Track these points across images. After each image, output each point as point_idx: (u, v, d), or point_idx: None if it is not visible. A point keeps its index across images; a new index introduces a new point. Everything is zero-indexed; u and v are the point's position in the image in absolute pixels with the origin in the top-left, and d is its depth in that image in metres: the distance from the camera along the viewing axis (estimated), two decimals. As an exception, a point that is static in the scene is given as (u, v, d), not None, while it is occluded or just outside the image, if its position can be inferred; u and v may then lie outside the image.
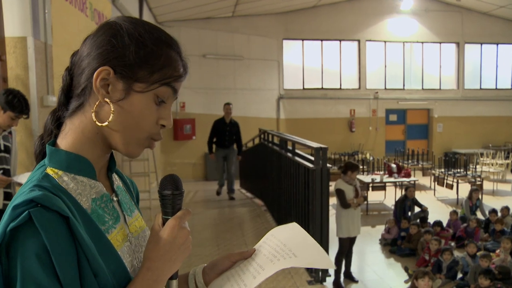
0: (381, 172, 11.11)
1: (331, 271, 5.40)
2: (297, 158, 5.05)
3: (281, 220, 5.91)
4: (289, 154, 5.45)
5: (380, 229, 8.15)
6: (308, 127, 14.53)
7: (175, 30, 12.95)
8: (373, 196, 10.37)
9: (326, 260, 0.94)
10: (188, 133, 13.21)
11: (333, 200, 5.65)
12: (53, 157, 0.88)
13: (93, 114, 0.87)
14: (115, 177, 1.02)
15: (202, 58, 13.52)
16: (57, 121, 0.93)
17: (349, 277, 6.05)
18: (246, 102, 14.10)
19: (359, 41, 15.25)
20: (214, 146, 9.25)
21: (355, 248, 6.23)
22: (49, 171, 0.86)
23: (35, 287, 0.72)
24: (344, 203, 5.55)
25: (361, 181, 10.15)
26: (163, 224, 0.88)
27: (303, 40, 14.95)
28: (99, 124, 0.87)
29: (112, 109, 0.86)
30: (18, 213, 0.74)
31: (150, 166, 7.77)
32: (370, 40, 15.30)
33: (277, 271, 0.93)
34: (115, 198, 0.95)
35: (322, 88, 15.18)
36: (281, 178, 5.81)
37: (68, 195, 0.82)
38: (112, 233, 0.89)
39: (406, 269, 6.45)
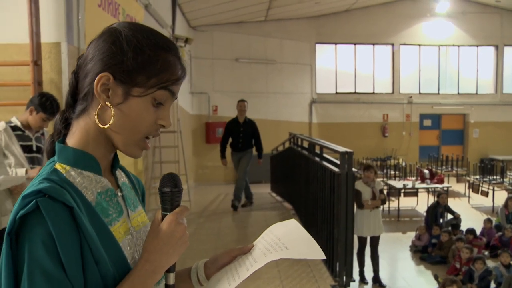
0: (413, 178, 10.93)
1: (356, 276, 5.36)
2: (323, 162, 5.05)
3: (308, 223, 5.90)
4: (317, 158, 5.45)
5: (411, 235, 8.02)
6: (341, 131, 14.43)
7: (208, 35, 13.11)
8: (405, 202, 10.21)
9: (317, 252, 0.99)
10: (220, 136, 13.24)
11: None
12: (61, 153, 0.95)
13: (96, 117, 0.93)
14: (121, 174, 1.08)
15: (234, 62, 13.63)
16: (65, 122, 1.00)
17: (378, 282, 5.97)
18: (278, 106, 14.12)
19: (393, 44, 15.06)
20: (229, 150, 8.43)
21: (384, 254, 6.32)
22: (58, 166, 0.93)
23: (40, 271, 0.78)
24: (358, 203, 5.69)
25: (392, 187, 10.03)
26: (162, 219, 0.93)
27: (335, 44, 14.88)
28: (102, 126, 0.93)
29: (113, 112, 0.92)
30: (26, 202, 0.81)
31: (180, 168, 7.88)
32: (404, 44, 15.10)
33: (267, 263, 0.97)
34: (119, 193, 1.02)
35: (355, 93, 15.06)
36: (309, 182, 5.81)
37: (74, 188, 0.89)
38: (115, 225, 0.95)
39: (436, 277, 6.33)
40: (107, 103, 0.92)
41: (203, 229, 6.65)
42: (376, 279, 5.98)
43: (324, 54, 14.92)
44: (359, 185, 5.72)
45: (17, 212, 0.81)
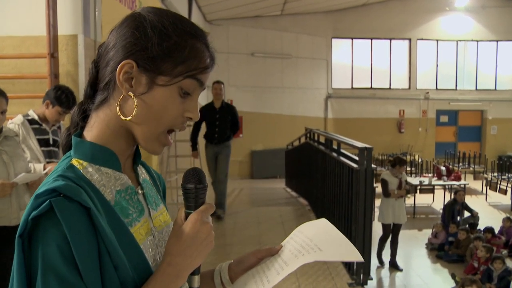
0: (430, 175, 10.80)
1: (373, 274, 5.31)
2: (341, 158, 4.98)
3: (324, 220, 5.85)
4: (334, 154, 5.38)
5: (427, 233, 7.92)
6: (356, 127, 14.33)
7: (224, 29, 13.06)
8: (421, 199, 10.09)
9: (354, 253, 0.92)
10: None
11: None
12: (78, 148, 0.88)
13: (117, 108, 0.87)
14: (141, 170, 1.02)
15: (250, 56, 13.58)
16: (83, 114, 0.93)
17: (394, 266, 6.35)
18: (293, 101, 14.06)
19: (410, 39, 14.89)
20: (202, 142, 7.07)
21: (400, 251, 6.51)
22: (74, 162, 0.86)
23: (55, 277, 0.72)
24: (385, 192, 6.18)
25: (408, 183, 9.92)
26: (186, 218, 0.87)
27: (352, 38, 14.76)
28: (123, 118, 0.86)
29: (136, 103, 0.86)
30: (39, 202, 0.75)
31: (195, 162, 7.86)
32: (421, 39, 14.91)
33: (300, 266, 0.90)
34: (140, 191, 0.95)
35: (371, 88, 14.95)
36: (326, 178, 5.75)
37: (91, 186, 0.83)
38: (135, 226, 0.88)
39: (453, 276, 6.23)
40: (130, 93, 0.85)
41: (218, 225, 6.62)
42: (393, 263, 6.35)
43: (340, 49, 14.82)
44: (386, 175, 6.27)
45: (29, 213, 0.75)
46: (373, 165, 4.35)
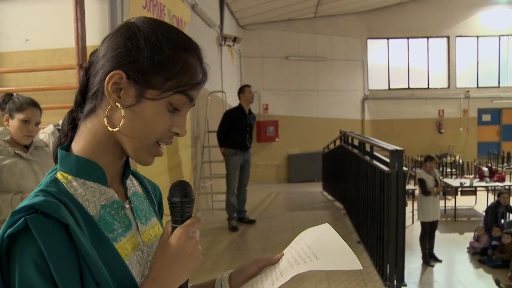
0: (471, 176, 10.45)
1: (408, 280, 5.17)
2: (373, 161, 4.88)
3: (358, 224, 5.74)
4: (366, 157, 5.29)
5: (469, 236, 7.65)
6: (394, 128, 14.06)
7: (257, 33, 13.09)
8: (462, 201, 9.78)
9: (353, 262, 0.87)
10: (271, 135, 13.28)
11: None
12: (63, 161, 0.87)
13: (105, 119, 0.85)
14: (132, 183, 1.00)
15: (284, 60, 13.55)
16: (72, 122, 0.92)
17: (434, 258, 6.68)
18: (329, 103, 13.94)
19: (448, 37, 14.49)
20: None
21: (441, 256, 6.76)
22: (59, 175, 0.85)
23: None
24: (425, 191, 6.49)
25: (449, 185, 9.65)
26: (172, 233, 0.85)
27: (388, 38, 14.51)
28: (110, 129, 0.85)
29: (123, 114, 0.84)
30: (15, 219, 0.74)
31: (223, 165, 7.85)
32: (460, 36, 14.48)
33: (293, 276, 0.87)
34: (127, 205, 0.93)
35: (408, 88, 14.64)
36: (359, 181, 5.65)
37: (74, 201, 0.81)
38: (120, 241, 0.87)
39: (497, 282, 5.98)
40: (118, 104, 0.84)
41: (253, 229, 6.60)
42: (432, 254, 6.69)
43: (376, 50, 14.58)
44: (422, 174, 6.66)
45: (5, 230, 0.74)
46: (405, 168, 4.23)
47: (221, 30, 9.51)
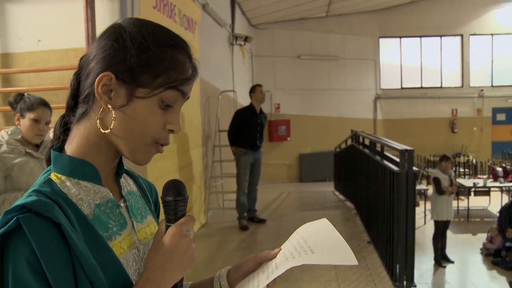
0: (485, 176, 10.33)
1: (419, 281, 5.13)
2: (384, 161, 4.85)
3: (369, 224, 5.71)
4: (377, 156, 5.26)
5: (482, 237, 7.55)
6: (407, 128, 13.97)
7: (269, 32, 13.08)
8: (476, 202, 9.67)
9: (349, 257, 0.86)
10: (283, 134, 13.26)
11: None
12: (57, 162, 0.88)
13: (98, 121, 0.86)
14: (126, 182, 1.01)
15: (296, 59, 13.53)
16: (64, 126, 0.93)
17: (446, 258, 6.59)
18: (341, 103, 13.88)
19: (462, 35, 14.34)
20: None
21: (453, 257, 6.65)
22: (53, 176, 0.86)
23: None
24: (439, 190, 6.48)
25: (462, 185, 9.55)
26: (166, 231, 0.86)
27: (400, 37, 14.40)
28: (102, 131, 0.86)
29: (114, 116, 0.85)
30: (8, 219, 0.75)
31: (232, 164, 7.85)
32: (474, 34, 14.31)
33: (287, 269, 0.87)
34: (122, 204, 0.94)
35: (421, 87, 14.53)
36: (369, 181, 5.62)
37: (68, 201, 0.82)
38: (115, 240, 0.87)
39: (511, 284, 5.91)
40: (109, 106, 0.85)
41: (263, 228, 6.61)
42: (444, 255, 6.61)
43: (388, 48, 14.48)
44: (437, 173, 6.66)
45: None
46: (415, 168, 4.20)
47: (233, 29, 9.52)
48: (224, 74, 8.80)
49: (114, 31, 0.87)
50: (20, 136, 2.78)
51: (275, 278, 0.89)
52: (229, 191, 7.93)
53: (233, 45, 9.66)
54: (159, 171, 4.62)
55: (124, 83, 0.84)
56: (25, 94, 2.82)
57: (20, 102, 2.75)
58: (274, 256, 0.97)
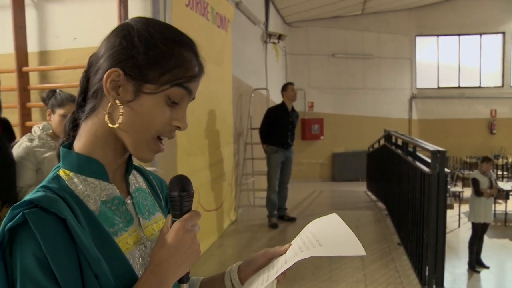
0: (525, 179, 10.01)
1: (452, 286, 5.02)
2: (415, 161, 4.77)
3: (399, 225, 5.62)
4: (409, 157, 5.17)
5: (520, 242, 7.37)
6: (443, 128, 13.64)
7: (303, 31, 13.02)
8: (514, 206, 9.39)
9: (357, 248, 0.88)
10: (316, 133, 13.18)
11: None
12: (65, 158, 0.91)
13: (106, 116, 0.89)
14: (136, 179, 1.03)
15: (331, 57, 13.41)
16: (74, 122, 0.96)
17: (480, 264, 6.47)
18: (376, 102, 13.69)
19: (504, 33, 13.86)
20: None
21: (490, 262, 6.56)
22: (61, 172, 0.90)
23: (33, 285, 0.75)
24: (477, 191, 6.46)
25: (500, 188, 9.28)
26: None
27: (438, 36, 14.06)
28: (110, 126, 0.88)
29: (122, 111, 0.87)
30: (14, 214, 0.78)
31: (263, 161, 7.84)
32: (517, 32, 13.84)
33: (296, 261, 0.89)
34: (129, 201, 0.96)
35: (459, 87, 14.16)
36: (401, 182, 5.53)
37: (74, 197, 0.85)
38: (121, 235, 0.90)
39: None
40: (117, 101, 0.88)
41: (292, 227, 6.60)
42: (479, 260, 6.48)
43: (425, 47, 14.15)
44: (477, 174, 6.64)
45: (5, 224, 0.78)
46: (447, 170, 4.10)
47: (266, 27, 9.52)
48: (257, 72, 8.82)
49: (122, 29, 0.90)
50: (51, 131, 2.89)
51: (284, 271, 0.91)
52: (260, 189, 7.95)
53: (266, 43, 9.66)
54: (190, 167, 4.66)
55: (131, 79, 0.87)
56: (57, 90, 2.91)
57: (52, 98, 2.85)
58: (284, 252, 0.99)
